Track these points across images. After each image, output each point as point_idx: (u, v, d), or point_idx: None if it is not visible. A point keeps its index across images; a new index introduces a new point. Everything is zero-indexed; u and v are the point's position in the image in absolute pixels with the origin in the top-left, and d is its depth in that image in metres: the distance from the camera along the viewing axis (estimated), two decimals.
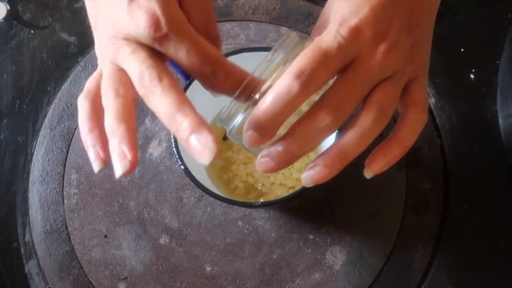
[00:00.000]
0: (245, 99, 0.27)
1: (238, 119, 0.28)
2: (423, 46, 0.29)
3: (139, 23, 0.26)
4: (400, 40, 0.27)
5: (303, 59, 0.26)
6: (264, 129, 0.26)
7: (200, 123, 0.25)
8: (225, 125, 0.28)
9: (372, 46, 0.26)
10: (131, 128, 0.27)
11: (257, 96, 0.27)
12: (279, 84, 0.26)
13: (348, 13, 0.26)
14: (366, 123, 0.27)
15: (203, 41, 0.27)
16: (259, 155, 0.28)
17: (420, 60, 0.29)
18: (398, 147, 0.29)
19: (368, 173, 0.29)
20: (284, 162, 0.27)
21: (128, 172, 0.26)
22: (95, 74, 0.31)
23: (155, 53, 0.27)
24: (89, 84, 0.30)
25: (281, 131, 0.27)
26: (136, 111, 0.28)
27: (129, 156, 0.26)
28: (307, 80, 0.25)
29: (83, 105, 0.29)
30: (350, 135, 0.27)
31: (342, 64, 0.26)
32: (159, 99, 0.26)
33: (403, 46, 0.27)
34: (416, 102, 0.29)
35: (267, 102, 0.26)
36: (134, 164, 0.26)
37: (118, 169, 0.26)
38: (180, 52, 0.26)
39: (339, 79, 0.27)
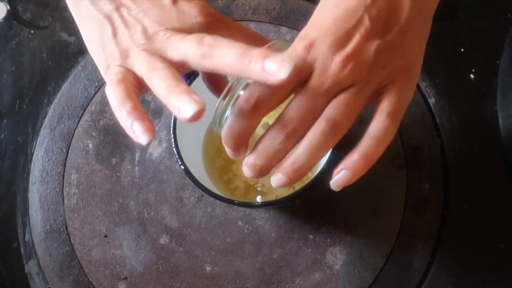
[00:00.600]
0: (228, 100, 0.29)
1: (223, 121, 0.30)
2: (403, 48, 0.28)
3: (191, 13, 0.29)
4: (363, 47, 0.26)
5: (255, 84, 0.27)
6: (233, 146, 0.29)
7: (272, 51, 0.26)
8: (215, 127, 0.31)
9: (327, 58, 0.26)
10: (190, 90, 0.27)
11: (233, 98, 0.29)
12: (235, 108, 0.28)
13: (312, 26, 0.27)
14: (313, 137, 0.27)
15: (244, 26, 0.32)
16: (243, 163, 0.29)
17: (396, 64, 0.28)
18: (360, 160, 0.28)
19: (334, 186, 0.29)
20: (258, 173, 0.29)
21: (199, 114, 0.26)
22: (118, 71, 0.30)
23: None
24: (117, 75, 0.30)
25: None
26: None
27: (199, 100, 0.26)
28: (256, 104, 0.27)
29: (118, 87, 0.29)
30: (301, 148, 0.27)
31: (296, 81, 0.27)
32: (227, 46, 0.27)
33: (366, 53, 0.27)
34: (382, 110, 0.28)
35: (227, 125, 0.28)
36: (205, 107, 0.26)
37: (190, 110, 0.26)
38: (232, 32, 0.30)
39: (294, 96, 0.27)
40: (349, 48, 0.26)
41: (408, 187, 0.46)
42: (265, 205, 0.38)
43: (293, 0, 0.52)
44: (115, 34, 0.30)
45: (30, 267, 0.47)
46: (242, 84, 0.29)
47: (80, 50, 0.53)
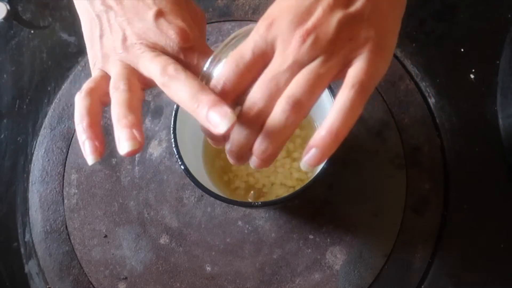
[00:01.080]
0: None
1: None
2: (370, 20, 0.27)
3: (169, 35, 0.30)
4: (325, 20, 0.26)
5: (222, 69, 0.27)
6: (206, 132, 0.29)
7: (220, 100, 0.27)
8: None
9: (288, 34, 0.26)
10: (139, 119, 0.28)
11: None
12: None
13: (274, 5, 0.27)
14: (275, 117, 0.26)
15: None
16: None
17: (362, 35, 0.26)
18: (327, 136, 0.26)
19: (304, 166, 0.27)
20: (237, 160, 0.29)
21: (134, 152, 0.27)
22: (96, 77, 0.32)
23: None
24: (90, 84, 0.31)
25: None
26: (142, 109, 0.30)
27: (139, 138, 0.27)
28: (223, 90, 0.27)
29: (83, 101, 0.30)
30: (264, 131, 0.27)
31: (261, 62, 0.27)
32: (183, 83, 0.28)
33: (328, 25, 0.26)
34: (347, 82, 0.26)
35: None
36: (141, 146, 0.27)
37: (125, 147, 0.27)
38: (202, 62, 0.30)
39: (261, 76, 0.27)
40: (310, 22, 0.26)
41: (408, 187, 0.46)
42: (265, 205, 0.38)
43: None
44: (101, 35, 0.32)
45: (30, 267, 0.47)
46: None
47: (80, 50, 0.53)
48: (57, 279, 0.46)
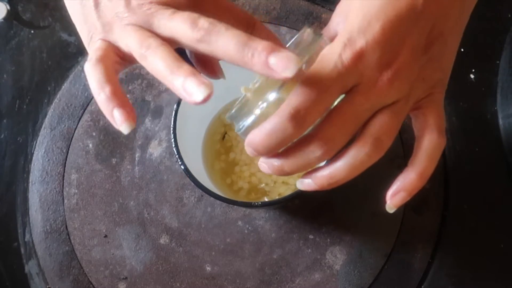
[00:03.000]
0: (258, 99, 0.27)
1: (248, 121, 0.28)
2: (442, 60, 0.27)
3: None
4: (409, 64, 0.25)
5: (299, 95, 0.25)
6: (261, 153, 0.27)
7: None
8: (235, 122, 0.29)
9: (374, 73, 0.25)
10: (188, 66, 0.26)
11: (266, 103, 0.27)
12: (274, 120, 0.25)
13: (357, 30, 0.25)
14: (358, 156, 0.26)
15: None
16: (261, 158, 0.28)
17: (436, 77, 0.27)
18: (416, 178, 0.27)
19: (390, 208, 0.28)
20: (279, 174, 0.28)
21: (209, 97, 0.24)
22: (99, 45, 0.29)
23: None
24: (97, 52, 0.28)
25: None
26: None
27: (207, 82, 0.24)
28: (302, 121, 0.25)
29: (96, 67, 0.27)
30: (341, 164, 0.27)
31: (341, 92, 0.26)
32: (225, 36, 0.25)
33: (411, 70, 0.26)
34: (431, 126, 0.27)
35: (262, 133, 0.26)
36: (212, 92, 0.25)
37: (200, 94, 0.24)
38: (221, 11, 0.29)
39: (334, 110, 0.26)
40: (396, 65, 0.25)
41: None
42: (265, 205, 0.38)
43: (293, 0, 0.52)
44: (96, 5, 0.28)
45: (30, 267, 0.47)
46: (272, 87, 0.27)
47: (80, 50, 0.53)
48: (57, 279, 0.46)
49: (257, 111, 0.27)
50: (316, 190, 0.28)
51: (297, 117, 0.25)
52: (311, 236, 0.45)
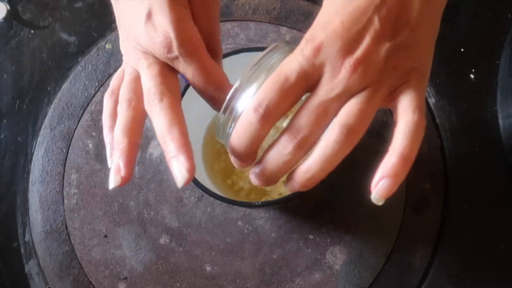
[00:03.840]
0: (230, 112, 0.28)
1: (228, 133, 0.29)
2: (414, 48, 0.27)
3: (154, 42, 0.29)
4: (373, 51, 0.25)
5: (262, 90, 0.26)
6: (241, 158, 0.28)
7: (181, 148, 0.27)
8: (222, 140, 0.30)
9: (336, 62, 0.25)
10: (132, 143, 0.29)
11: (239, 109, 0.28)
12: (241, 119, 0.26)
13: (318, 27, 0.26)
14: (328, 144, 0.26)
15: (210, 65, 0.30)
16: (250, 171, 0.29)
17: (408, 65, 0.27)
18: (399, 161, 0.26)
19: (377, 199, 0.27)
20: (266, 183, 0.29)
21: (120, 185, 0.28)
22: (119, 72, 0.33)
23: (169, 67, 0.30)
24: (114, 81, 0.33)
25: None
26: (143, 125, 0.30)
27: (122, 172, 0.28)
28: (265, 113, 0.26)
29: (107, 102, 0.32)
30: (314, 157, 0.26)
31: (305, 86, 0.26)
32: (156, 117, 0.28)
33: (377, 56, 0.25)
34: (405, 107, 0.27)
35: (234, 135, 0.27)
36: (125, 181, 0.28)
37: (111, 182, 0.28)
38: (188, 73, 0.30)
39: (303, 104, 0.26)
40: (359, 51, 0.25)
41: (408, 187, 0.46)
42: (265, 205, 0.38)
43: (293, 0, 0.52)
44: (118, 27, 0.32)
45: (30, 267, 0.47)
46: (245, 96, 0.28)
47: (80, 50, 0.53)
48: (57, 279, 0.46)
49: (229, 125, 0.29)
50: (300, 190, 0.28)
51: (261, 110, 0.26)
52: (311, 236, 0.45)
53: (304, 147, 0.26)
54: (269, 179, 0.28)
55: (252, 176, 0.29)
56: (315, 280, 0.44)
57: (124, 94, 0.30)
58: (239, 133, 0.27)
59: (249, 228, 0.46)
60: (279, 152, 0.27)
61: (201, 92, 0.31)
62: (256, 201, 0.37)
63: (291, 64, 0.26)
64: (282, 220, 0.46)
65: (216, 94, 0.30)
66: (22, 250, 0.48)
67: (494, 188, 0.46)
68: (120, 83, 0.32)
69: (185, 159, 0.26)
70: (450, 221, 0.45)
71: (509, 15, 0.50)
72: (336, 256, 0.45)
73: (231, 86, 0.29)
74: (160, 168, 0.48)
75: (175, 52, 0.28)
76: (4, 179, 0.50)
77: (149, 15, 0.28)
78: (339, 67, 0.25)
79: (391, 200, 0.45)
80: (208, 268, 0.45)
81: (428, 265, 0.44)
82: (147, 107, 0.29)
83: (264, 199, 0.45)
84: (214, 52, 0.32)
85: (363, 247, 0.45)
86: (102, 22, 0.54)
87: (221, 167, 0.46)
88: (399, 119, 0.27)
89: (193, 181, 0.37)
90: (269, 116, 0.26)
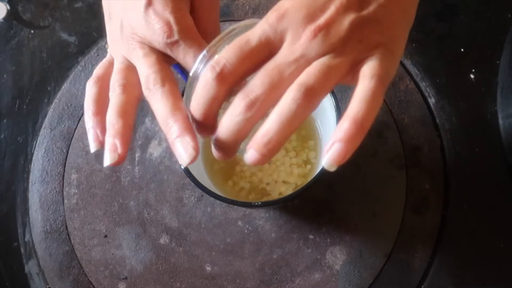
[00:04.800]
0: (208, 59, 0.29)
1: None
2: (383, 23, 0.27)
3: (154, 29, 0.29)
4: (337, 20, 0.25)
5: (223, 51, 0.26)
6: (200, 123, 0.28)
7: (186, 129, 0.27)
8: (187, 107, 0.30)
9: (298, 28, 0.26)
10: (127, 124, 0.29)
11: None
12: (200, 77, 0.27)
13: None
14: (285, 104, 0.25)
15: None
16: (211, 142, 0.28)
17: (375, 38, 0.26)
18: (350, 125, 0.24)
19: (329, 164, 0.25)
20: (224, 152, 0.28)
21: (115, 164, 0.29)
22: (105, 61, 0.33)
23: (164, 57, 0.30)
24: (99, 70, 0.33)
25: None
26: (137, 110, 0.31)
27: (119, 150, 0.29)
28: (222, 72, 0.26)
29: (91, 89, 0.32)
30: (270, 120, 0.25)
31: (267, 51, 0.26)
32: (158, 102, 0.28)
33: (340, 25, 0.26)
34: (364, 75, 0.26)
35: (195, 97, 0.27)
36: (122, 159, 0.29)
37: (107, 160, 0.29)
38: (187, 57, 0.30)
39: (262, 67, 0.26)
40: (321, 19, 0.25)
41: (408, 187, 0.46)
42: (265, 205, 0.38)
43: None
44: (108, 20, 0.32)
45: (30, 267, 0.47)
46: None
47: (80, 50, 0.53)
48: (57, 279, 0.46)
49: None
50: (260, 161, 0.26)
51: (217, 68, 0.26)
52: (311, 236, 0.45)
53: (256, 108, 0.25)
54: (226, 146, 0.27)
55: (213, 148, 0.28)
56: (315, 280, 0.44)
57: (117, 80, 0.30)
58: (197, 92, 0.27)
59: (249, 228, 0.46)
60: (231, 113, 0.26)
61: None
62: (256, 201, 0.37)
63: (255, 30, 0.26)
64: (282, 220, 0.46)
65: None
66: (22, 250, 0.48)
67: (494, 188, 0.46)
68: (105, 72, 0.32)
69: (191, 139, 0.27)
70: (450, 221, 0.45)
71: (509, 15, 0.50)
72: (336, 256, 0.45)
73: None
74: (160, 168, 0.48)
75: (176, 36, 0.29)
76: (4, 179, 0.50)
77: (148, 4, 0.29)
78: (300, 33, 0.26)
79: (391, 200, 0.46)
80: (208, 268, 0.45)
81: (428, 265, 0.44)
82: (147, 93, 0.29)
83: (264, 199, 0.45)
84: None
85: (363, 247, 0.45)
86: (102, 22, 0.53)
87: (221, 167, 0.46)
88: (357, 85, 0.26)
89: (193, 181, 0.37)
90: (225, 76, 0.26)
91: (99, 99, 0.31)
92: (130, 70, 0.31)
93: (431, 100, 0.49)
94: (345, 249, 0.45)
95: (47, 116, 0.51)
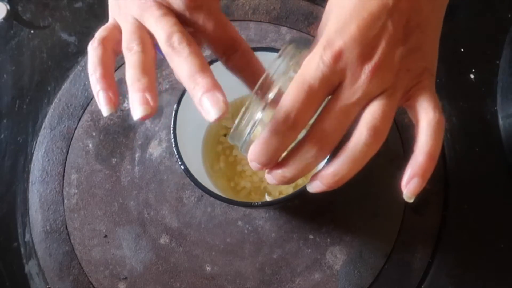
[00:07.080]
0: (261, 97, 0.29)
1: (246, 138, 0.29)
2: (424, 49, 0.28)
3: None
4: (389, 55, 0.26)
5: (288, 99, 0.26)
6: (264, 163, 0.28)
7: (215, 85, 0.26)
8: (236, 142, 0.30)
9: (356, 68, 0.26)
10: (153, 80, 0.28)
11: (253, 121, 0.28)
12: (268, 128, 0.27)
13: (334, 32, 0.26)
14: (358, 147, 0.27)
15: (228, 21, 0.31)
16: (266, 171, 0.29)
17: (420, 65, 0.28)
18: (425, 160, 0.27)
19: (408, 197, 0.29)
20: (282, 181, 0.29)
21: (147, 117, 0.27)
22: (108, 24, 0.32)
23: (182, 21, 0.29)
24: (102, 32, 0.31)
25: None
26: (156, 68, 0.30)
27: (151, 102, 0.27)
28: (294, 123, 0.27)
29: (95, 50, 0.30)
30: (343, 159, 0.27)
31: (327, 92, 0.27)
32: (184, 60, 0.27)
33: (392, 60, 0.27)
34: (425, 107, 0.28)
35: (260, 143, 0.27)
36: (154, 110, 0.27)
37: (138, 112, 0.27)
38: (208, 24, 0.29)
39: (324, 109, 0.27)
40: (376, 57, 0.26)
41: None
42: (265, 205, 0.38)
43: (293, 0, 0.52)
44: None
45: (30, 267, 0.47)
46: (261, 105, 0.28)
47: (80, 50, 0.53)
48: (57, 279, 0.46)
49: (248, 129, 0.29)
50: (325, 190, 0.29)
51: (289, 120, 0.26)
52: (311, 236, 0.45)
53: (327, 150, 0.27)
54: (289, 180, 0.29)
55: (270, 176, 0.29)
56: (315, 280, 0.44)
57: (134, 39, 0.29)
58: (267, 141, 0.27)
59: (249, 228, 0.46)
60: (302, 155, 0.27)
61: (217, 45, 0.31)
62: (256, 201, 0.37)
63: (313, 71, 0.26)
64: (282, 220, 0.46)
65: (233, 47, 0.31)
66: (22, 250, 0.48)
67: (494, 188, 0.46)
68: (109, 34, 0.31)
69: (221, 94, 0.26)
70: (450, 221, 0.45)
71: (509, 15, 0.50)
72: (336, 256, 0.45)
73: (247, 45, 0.31)
74: (160, 168, 0.48)
75: (199, 1, 0.29)
76: (4, 179, 0.50)
77: None
78: (358, 72, 0.26)
79: (391, 200, 0.46)
80: (208, 268, 0.45)
81: (428, 265, 0.44)
82: (169, 50, 0.28)
83: (264, 198, 0.45)
84: (233, 45, 0.32)
85: (363, 247, 0.45)
86: (102, 22, 0.53)
87: (221, 167, 0.46)
88: (421, 120, 0.28)
89: (193, 181, 0.37)
90: (298, 125, 0.27)
91: (105, 61, 0.30)
92: (143, 30, 0.30)
93: None
94: (345, 249, 0.45)
95: (47, 116, 0.51)
